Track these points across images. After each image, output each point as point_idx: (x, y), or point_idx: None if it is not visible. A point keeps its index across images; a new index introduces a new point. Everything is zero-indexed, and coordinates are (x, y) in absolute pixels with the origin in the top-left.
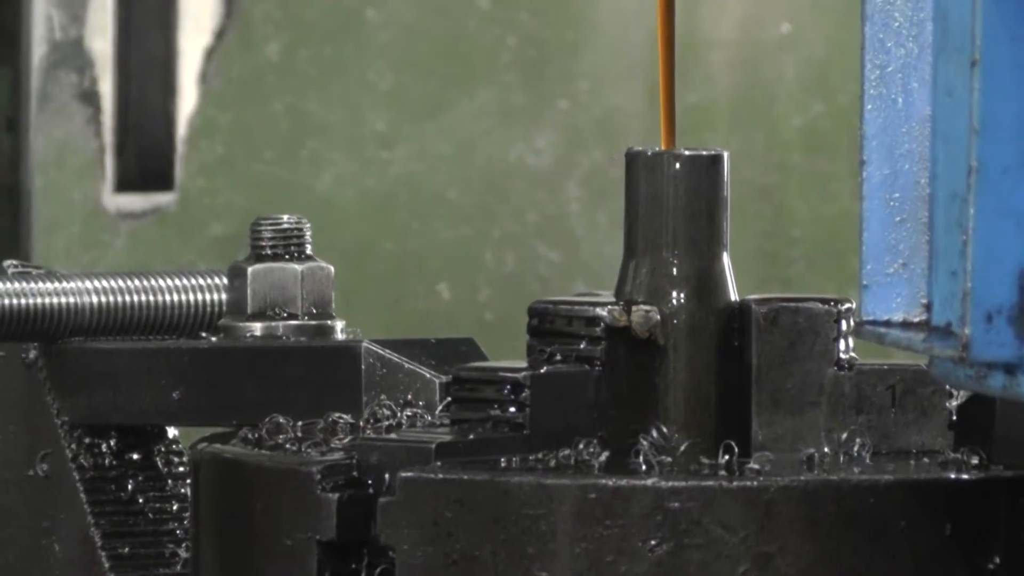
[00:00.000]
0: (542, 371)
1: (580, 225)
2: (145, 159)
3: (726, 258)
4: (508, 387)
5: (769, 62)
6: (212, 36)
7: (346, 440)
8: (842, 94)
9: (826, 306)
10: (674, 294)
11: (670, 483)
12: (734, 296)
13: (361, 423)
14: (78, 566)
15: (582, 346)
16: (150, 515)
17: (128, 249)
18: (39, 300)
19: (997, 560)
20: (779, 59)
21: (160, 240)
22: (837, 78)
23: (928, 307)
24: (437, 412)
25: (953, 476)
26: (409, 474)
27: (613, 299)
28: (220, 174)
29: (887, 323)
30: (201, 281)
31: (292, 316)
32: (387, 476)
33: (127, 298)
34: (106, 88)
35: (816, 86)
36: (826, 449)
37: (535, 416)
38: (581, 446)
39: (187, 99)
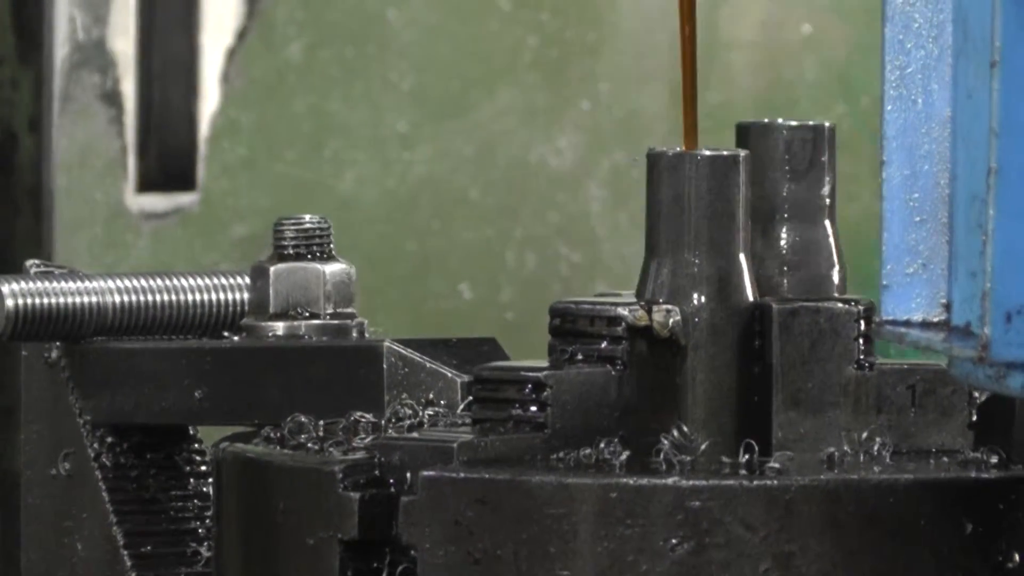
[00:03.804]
0: (563, 371)
1: (601, 225)
2: (167, 159)
3: (747, 258)
4: (530, 386)
5: (790, 63)
6: (234, 36)
7: (368, 439)
8: (863, 95)
9: (847, 306)
10: (695, 294)
11: (691, 482)
12: (755, 296)
13: (383, 422)
14: (101, 565)
15: (603, 346)
16: (172, 514)
17: (151, 249)
18: (61, 300)
19: (1017, 559)
20: (800, 60)
21: (183, 240)
22: (858, 79)
23: (948, 307)
24: (459, 411)
25: (973, 475)
26: (431, 473)
27: (634, 299)
28: (242, 174)
29: (907, 323)
30: (223, 281)
31: (314, 316)
32: (409, 475)
33: (149, 298)
34: (128, 88)
35: (837, 87)
36: (846, 448)
37: (556, 415)
38: (602, 445)
39: (209, 99)
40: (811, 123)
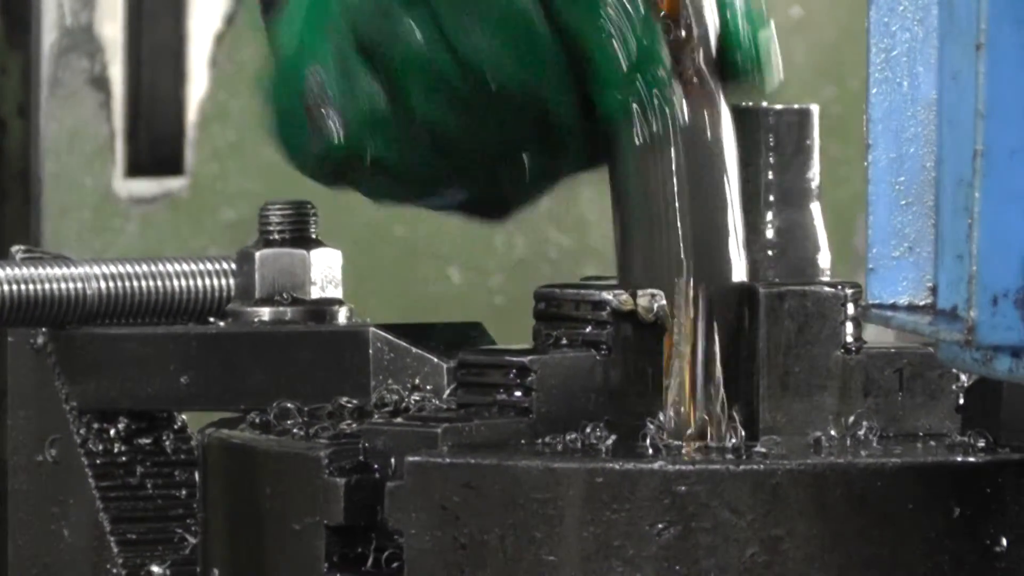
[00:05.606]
0: (548, 355)
1: (590, 210)
2: (156, 144)
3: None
4: (514, 371)
5: (780, 46)
6: (222, 21)
7: (354, 425)
8: (852, 78)
9: (834, 289)
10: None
11: (677, 467)
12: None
13: (369, 407)
14: (87, 551)
15: (588, 330)
16: (159, 500)
17: (139, 234)
18: (47, 286)
19: (1005, 542)
20: (790, 43)
21: (171, 225)
22: (847, 62)
23: (934, 290)
24: (444, 396)
25: (960, 459)
26: (416, 458)
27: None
28: (231, 159)
29: (893, 306)
30: (209, 266)
31: (300, 301)
32: (394, 461)
33: (135, 283)
34: (117, 73)
35: (827, 70)
36: (833, 432)
37: (541, 400)
38: (588, 430)
39: (198, 84)
40: (797, 106)
